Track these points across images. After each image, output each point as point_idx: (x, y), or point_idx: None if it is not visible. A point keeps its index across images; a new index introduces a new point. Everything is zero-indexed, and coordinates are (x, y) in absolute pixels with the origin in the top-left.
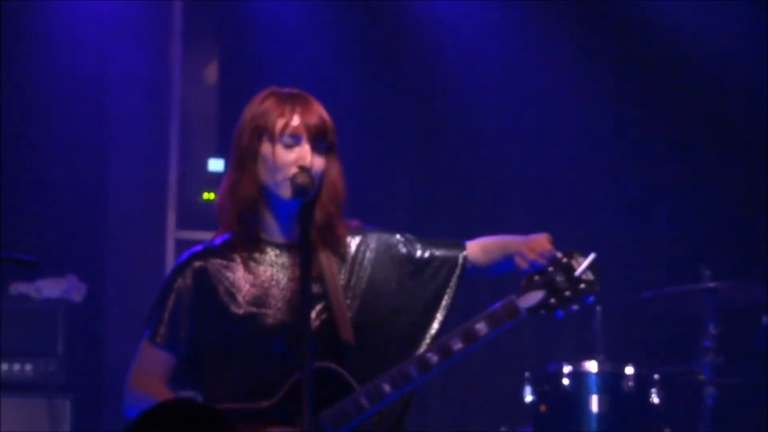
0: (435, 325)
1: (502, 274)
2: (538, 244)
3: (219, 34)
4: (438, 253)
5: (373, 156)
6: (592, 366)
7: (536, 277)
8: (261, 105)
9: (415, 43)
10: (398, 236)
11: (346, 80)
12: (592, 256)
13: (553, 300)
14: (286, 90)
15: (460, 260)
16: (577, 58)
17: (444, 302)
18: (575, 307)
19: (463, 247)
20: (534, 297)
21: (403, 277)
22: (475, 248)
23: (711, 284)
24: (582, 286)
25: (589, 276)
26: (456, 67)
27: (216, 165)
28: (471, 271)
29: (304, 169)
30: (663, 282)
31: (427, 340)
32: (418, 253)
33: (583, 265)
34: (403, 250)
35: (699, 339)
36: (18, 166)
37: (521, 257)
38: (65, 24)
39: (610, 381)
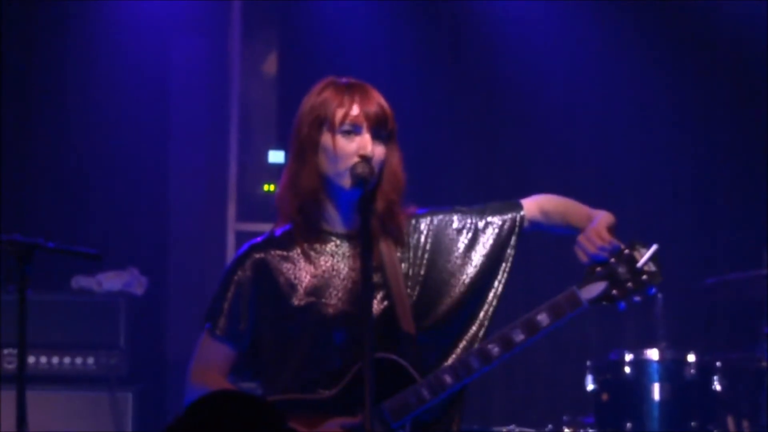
0: (498, 287)
1: (562, 236)
2: (597, 235)
3: (278, 27)
4: (494, 218)
5: (433, 143)
6: (653, 354)
7: (598, 268)
8: (320, 95)
9: (473, 28)
10: (452, 212)
11: (405, 70)
12: (654, 248)
13: (615, 291)
14: (344, 79)
15: (518, 221)
16: (636, 41)
17: (504, 265)
18: (637, 298)
19: (519, 207)
20: (596, 288)
21: (465, 251)
22: (534, 208)
23: None
24: (644, 277)
25: (651, 267)
26: (514, 49)
27: (276, 156)
28: (530, 228)
29: (364, 159)
30: (724, 269)
31: (488, 306)
32: (474, 222)
33: (645, 257)
34: (458, 224)
35: (761, 325)
36: (80, 159)
37: (581, 250)
38: (127, 19)
39: (671, 369)
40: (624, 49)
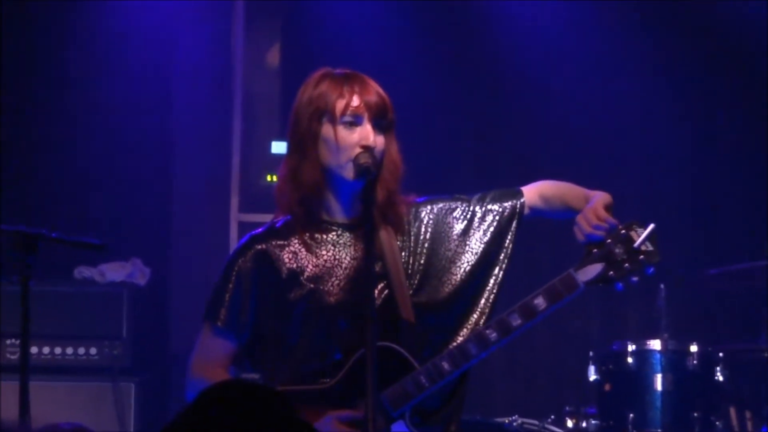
0: (499, 274)
1: (562, 220)
2: (593, 213)
3: (281, 18)
4: (494, 206)
5: (434, 134)
6: (656, 344)
7: (594, 250)
8: (317, 87)
9: (476, 19)
10: (451, 200)
11: (407, 60)
12: (651, 227)
13: (612, 272)
14: (339, 71)
15: (518, 208)
16: (640, 33)
17: (504, 252)
18: (635, 278)
19: (519, 194)
20: (592, 270)
21: (465, 238)
22: (534, 195)
23: None
24: (641, 257)
25: (649, 247)
26: (516, 40)
27: (279, 147)
28: (530, 215)
29: (367, 149)
30: (727, 259)
31: (488, 293)
32: (474, 210)
33: (642, 236)
34: (458, 212)
35: (764, 316)
36: (84, 150)
37: (578, 229)
38: (131, 12)
39: (674, 359)
40: (627, 40)
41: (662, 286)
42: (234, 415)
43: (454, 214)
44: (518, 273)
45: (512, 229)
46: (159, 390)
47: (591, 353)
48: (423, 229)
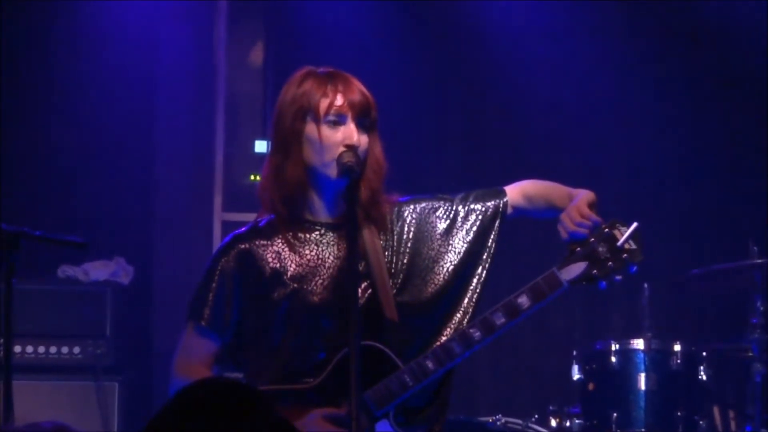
0: (482, 273)
1: (546, 220)
2: (577, 211)
3: (264, 17)
4: (476, 205)
5: (419, 133)
6: (639, 343)
7: (578, 248)
8: (300, 86)
9: (461, 19)
10: (434, 200)
11: (391, 59)
12: (634, 226)
13: (595, 271)
14: (322, 69)
15: (501, 207)
16: (624, 31)
17: (487, 251)
18: (618, 277)
19: (502, 194)
20: (576, 268)
21: (448, 238)
22: (517, 194)
23: (759, 261)
24: (625, 255)
25: (632, 245)
26: (501, 40)
27: (262, 147)
28: (513, 214)
29: (350, 148)
30: (710, 259)
31: (472, 293)
32: (457, 209)
33: (625, 235)
34: (441, 212)
35: (747, 316)
36: (67, 149)
37: (562, 227)
38: (114, 10)
39: (657, 358)
40: (611, 40)
41: (646, 285)
42: (212, 413)
43: (437, 213)
44: (501, 272)
45: (495, 228)
46: (142, 389)
47: (574, 352)
48: (406, 229)
